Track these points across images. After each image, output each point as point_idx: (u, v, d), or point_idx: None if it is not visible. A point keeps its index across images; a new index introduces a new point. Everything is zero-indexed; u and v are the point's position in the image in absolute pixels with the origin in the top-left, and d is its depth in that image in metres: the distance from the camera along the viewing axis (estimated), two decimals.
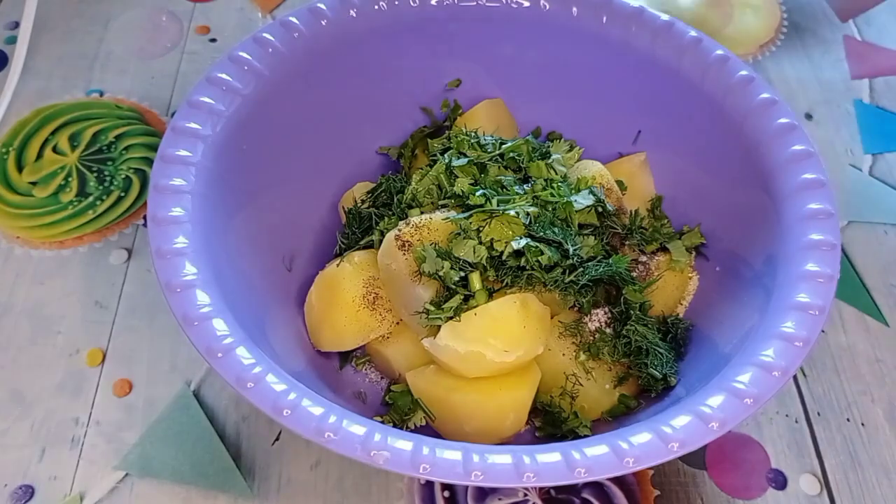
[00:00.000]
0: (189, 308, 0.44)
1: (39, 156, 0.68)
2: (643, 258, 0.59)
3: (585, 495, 0.51)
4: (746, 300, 0.52)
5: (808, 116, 0.76)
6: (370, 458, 0.40)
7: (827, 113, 0.77)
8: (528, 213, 0.51)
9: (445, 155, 0.56)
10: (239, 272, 0.52)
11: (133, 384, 0.57)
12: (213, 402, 0.57)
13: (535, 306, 0.50)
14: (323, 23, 0.58)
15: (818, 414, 0.58)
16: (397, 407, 0.53)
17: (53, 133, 0.69)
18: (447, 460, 0.40)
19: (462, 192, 0.53)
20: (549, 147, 0.59)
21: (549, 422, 0.53)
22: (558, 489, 0.52)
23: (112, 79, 0.76)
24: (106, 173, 0.67)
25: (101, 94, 0.75)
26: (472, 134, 0.58)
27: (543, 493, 0.51)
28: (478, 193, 0.52)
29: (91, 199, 0.65)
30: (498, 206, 0.51)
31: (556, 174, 0.55)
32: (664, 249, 0.59)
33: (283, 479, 0.53)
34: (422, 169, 0.58)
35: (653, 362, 0.52)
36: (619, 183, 0.61)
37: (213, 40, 0.81)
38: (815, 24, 0.71)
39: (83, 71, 0.77)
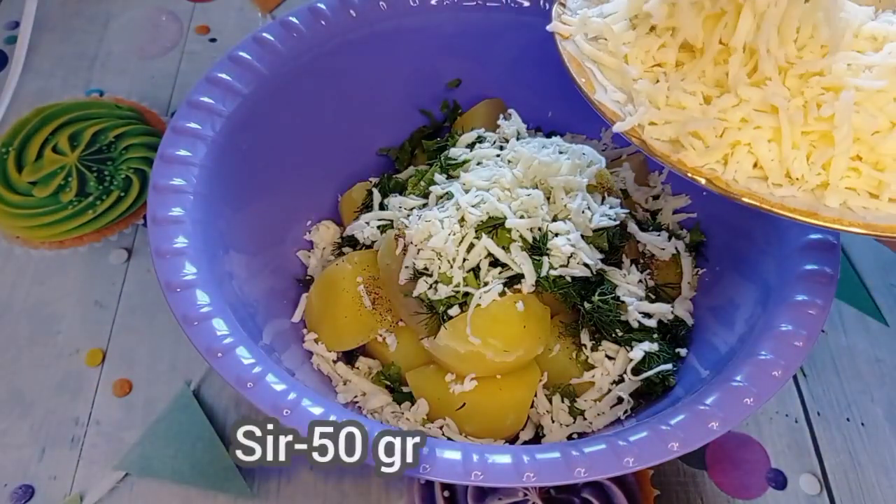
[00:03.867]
0: (189, 308, 0.44)
1: (39, 156, 0.68)
2: (643, 259, 0.59)
3: (585, 495, 0.51)
4: (746, 300, 0.52)
5: None
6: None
7: None
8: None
9: (441, 156, 0.57)
10: (239, 272, 0.52)
11: (133, 384, 0.57)
12: (213, 402, 0.57)
13: (535, 306, 0.50)
14: (323, 23, 0.58)
15: (818, 414, 0.58)
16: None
17: (53, 133, 0.69)
18: (447, 460, 0.40)
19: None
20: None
21: None
22: (558, 489, 0.52)
23: (112, 79, 0.76)
24: (106, 173, 0.67)
25: (101, 93, 0.75)
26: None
27: (543, 492, 0.51)
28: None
29: (91, 199, 0.65)
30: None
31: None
32: (664, 250, 0.59)
33: (283, 479, 0.53)
34: (418, 169, 0.58)
35: (652, 362, 0.52)
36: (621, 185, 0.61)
37: (213, 40, 0.81)
38: None
39: (83, 71, 0.77)
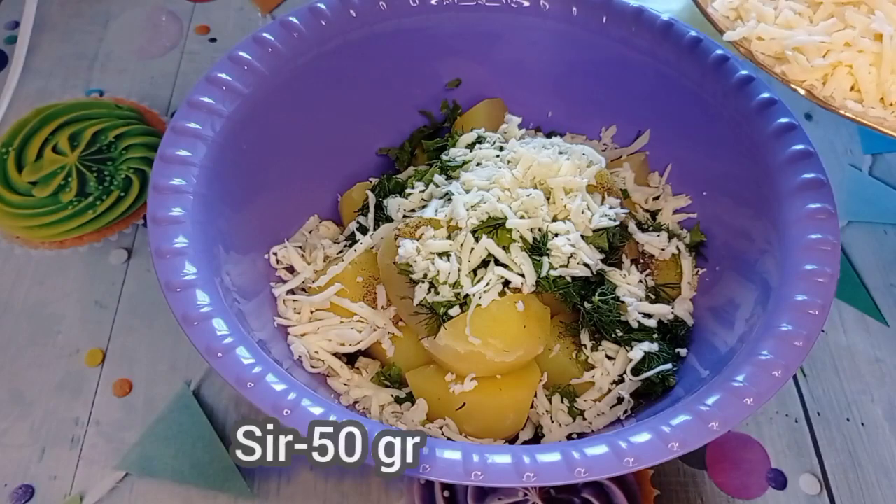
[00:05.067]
0: (189, 308, 0.44)
1: (39, 156, 0.67)
2: (643, 259, 0.59)
3: (585, 495, 0.51)
4: (746, 300, 0.52)
5: (808, 116, 0.76)
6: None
7: (827, 113, 0.76)
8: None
9: (440, 158, 0.57)
10: (239, 272, 0.52)
11: (133, 384, 0.57)
12: (213, 402, 0.57)
13: (535, 306, 0.50)
14: (323, 23, 0.58)
15: (818, 414, 0.58)
16: None
17: (53, 133, 0.69)
18: (447, 460, 0.40)
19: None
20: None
21: None
22: (558, 489, 0.52)
23: (112, 79, 0.76)
24: (106, 173, 0.67)
25: (101, 93, 0.75)
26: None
27: (543, 492, 0.51)
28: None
29: (91, 199, 0.65)
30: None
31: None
32: (664, 250, 0.59)
33: (283, 479, 0.53)
34: (418, 169, 0.58)
35: (652, 363, 0.52)
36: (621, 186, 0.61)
37: (213, 40, 0.81)
38: None
39: (83, 71, 0.77)
